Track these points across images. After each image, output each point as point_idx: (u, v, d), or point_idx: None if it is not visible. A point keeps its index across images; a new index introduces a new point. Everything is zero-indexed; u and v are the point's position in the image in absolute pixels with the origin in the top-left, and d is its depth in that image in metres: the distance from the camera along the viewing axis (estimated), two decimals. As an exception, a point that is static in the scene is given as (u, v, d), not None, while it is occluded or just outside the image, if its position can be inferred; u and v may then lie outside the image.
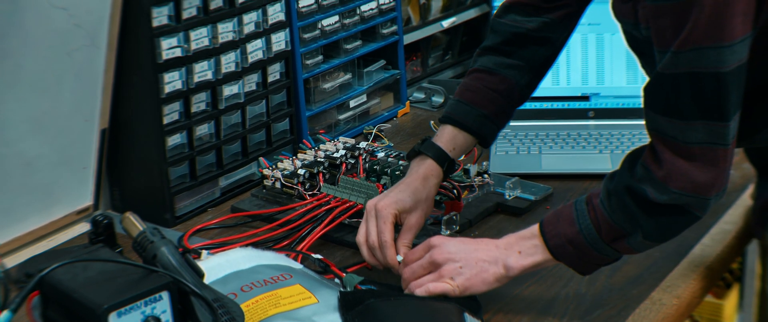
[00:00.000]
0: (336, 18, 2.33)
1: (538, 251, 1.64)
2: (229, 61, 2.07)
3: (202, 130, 2.06)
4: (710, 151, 1.51)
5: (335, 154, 2.10)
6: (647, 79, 1.58)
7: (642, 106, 1.58)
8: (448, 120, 1.83)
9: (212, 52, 2.03)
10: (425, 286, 1.65)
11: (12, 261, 1.82)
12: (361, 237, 1.77)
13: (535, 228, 1.65)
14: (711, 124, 1.49)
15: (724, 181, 1.53)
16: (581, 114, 2.43)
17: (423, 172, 1.80)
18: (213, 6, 2.01)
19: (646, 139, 2.27)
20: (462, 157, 1.90)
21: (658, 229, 1.58)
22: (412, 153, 1.83)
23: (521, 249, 1.65)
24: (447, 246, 1.67)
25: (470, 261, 1.65)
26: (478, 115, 1.82)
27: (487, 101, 1.82)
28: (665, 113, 1.52)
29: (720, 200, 1.56)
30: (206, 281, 1.46)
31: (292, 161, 2.10)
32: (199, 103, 2.04)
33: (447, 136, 1.83)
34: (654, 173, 1.54)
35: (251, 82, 2.14)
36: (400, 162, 2.10)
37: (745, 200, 2.06)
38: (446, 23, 2.77)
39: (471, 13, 2.85)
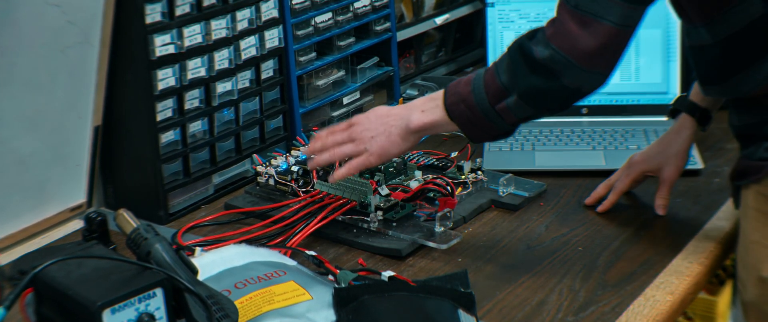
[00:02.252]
0: (329, 15, 2.33)
1: (438, 109, 1.76)
2: (222, 58, 2.07)
3: (196, 127, 2.06)
4: (598, 24, 1.63)
5: (329, 151, 2.10)
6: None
7: None
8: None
9: (205, 49, 2.03)
10: (346, 166, 1.81)
11: (5, 258, 1.81)
12: (610, 178, 2.04)
13: (442, 90, 1.78)
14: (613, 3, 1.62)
15: (602, 60, 1.65)
16: (575, 111, 2.43)
17: (676, 126, 2.00)
18: (206, 3, 2.01)
19: (639, 136, 2.29)
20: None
21: (531, 91, 1.68)
22: (670, 112, 2.04)
23: (424, 108, 1.77)
24: (362, 122, 1.82)
25: (380, 127, 1.79)
26: None
27: None
28: None
29: (593, 83, 1.67)
30: (200, 277, 1.46)
31: (286, 157, 2.10)
32: (193, 100, 2.04)
33: (696, 89, 1.98)
34: (545, 31, 1.67)
35: (244, 79, 2.14)
36: (394, 159, 2.10)
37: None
38: (439, 20, 2.76)
39: (464, 10, 2.85)
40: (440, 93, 1.78)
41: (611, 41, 1.64)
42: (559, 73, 1.66)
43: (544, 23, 1.70)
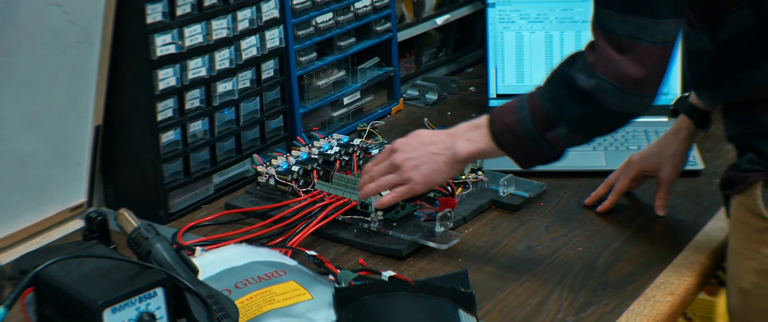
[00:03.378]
0: (330, 15, 2.33)
1: (484, 138, 1.74)
2: (223, 58, 2.07)
3: (196, 127, 2.06)
4: (638, 47, 1.60)
5: (329, 151, 2.10)
6: None
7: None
8: None
9: (206, 49, 2.03)
10: (391, 194, 1.82)
11: (6, 258, 1.81)
12: (609, 178, 2.04)
13: (485, 117, 1.76)
14: (641, 19, 1.59)
15: (649, 83, 1.62)
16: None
17: (674, 127, 2.01)
18: (207, 3, 2.01)
19: (639, 137, 2.29)
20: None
21: (579, 120, 1.67)
22: (671, 112, 2.07)
23: (470, 137, 1.76)
24: (404, 150, 1.81)
25: (424, 156, 1.78)
26: None
27: None
28: (603, 5, 1.63)
29: (642, 106, 1.65)
30: (200, 277, 1.46)
31: (286, 157, 2.10)
32: (193, 99, 2.04)
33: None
34: (586, 59, 1.64)
35: (245, 79, 2.14)
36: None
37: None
38: (440, 20, 2.77)
39: (464, 11, 2.85)
40: (484, 120, 1.75)
41: (653, 62, 1.61)
42: (607, 100, 1.63)
43: (584, 47, 1.68)
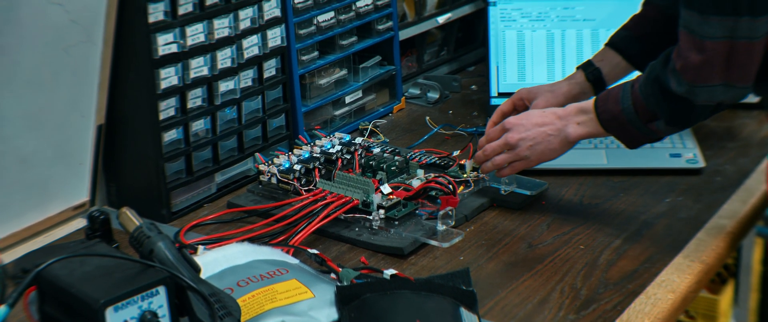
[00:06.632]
0: (331, 14, 2.33)
1: (592, 123, 1.91)
2: (224, 57, 2.07)
3: (198, 125, 2.06)
4: (720, 46, 1.70)
5: (331, 150, 2.11)
6: None
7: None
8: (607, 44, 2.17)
9: (208, 48, 2.03)
10: (508, 169, 1.98)
11: (8, 257, 1.82)
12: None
13: (591, 103, 1.91)
14: (724, 20, 1.68)
15: (737, 74, 1.72)
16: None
17: (569, 75, 2.16)
18: (209, 2, 2.01)
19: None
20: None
21: (676, 116, 1.81)
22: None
23: (579, 121, 1.92)
24: (517, 129, 1.95)
25: (538, 136, 1.94)
26: (625, 35, 2.13)
27: (634, 24, 2.13)
28: (687, 6, 1.72)
29: (731, 95, 1.75)
30: (202, 276, 1.46)
31: (288, 156, 2.11)
32: (195, 99, 2.04)
33: (599, 54, 2.16)
34: (675, 64, 1.76)
35: (247, 78, 2.14)
36: (396, 158, 2.11)
37: (740, 194, 2.06)
38: (441, 19, 2.77)
39: (466, 9, 2.85)
40: (590, 106, 1.91)
41: (730, 55, 1.70)
42: (697, 99, 1.76)
43: (674, 48, 1.78)
